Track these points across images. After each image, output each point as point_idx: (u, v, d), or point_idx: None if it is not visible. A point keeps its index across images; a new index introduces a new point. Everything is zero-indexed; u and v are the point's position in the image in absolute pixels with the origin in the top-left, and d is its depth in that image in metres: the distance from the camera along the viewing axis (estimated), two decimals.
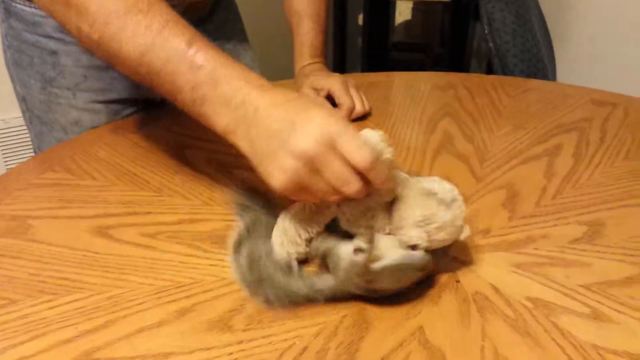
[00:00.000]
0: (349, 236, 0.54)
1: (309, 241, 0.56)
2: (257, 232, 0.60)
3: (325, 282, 0.53)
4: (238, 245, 0.58)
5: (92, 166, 0.79)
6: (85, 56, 0.90)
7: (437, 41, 2.35)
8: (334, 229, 0.56)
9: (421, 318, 0.52)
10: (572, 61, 2.07)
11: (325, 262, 0.55)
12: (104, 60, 0.64)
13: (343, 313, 0.53)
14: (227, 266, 0.58)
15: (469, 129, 0.91)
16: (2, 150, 1.94)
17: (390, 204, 0.54)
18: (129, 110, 0.97)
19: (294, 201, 0.57)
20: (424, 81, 1.14)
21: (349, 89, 0.95)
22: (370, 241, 0.51)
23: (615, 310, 0.53)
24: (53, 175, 0.77)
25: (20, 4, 0.88)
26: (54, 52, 0.90)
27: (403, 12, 2.37)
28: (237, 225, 0.62)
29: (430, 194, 0.54)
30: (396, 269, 0.51)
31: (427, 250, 0.53)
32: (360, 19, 2.27)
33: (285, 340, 0.50)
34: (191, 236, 0.64)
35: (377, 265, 0.50)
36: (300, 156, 0.50)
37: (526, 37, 1.37)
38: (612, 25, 2.03)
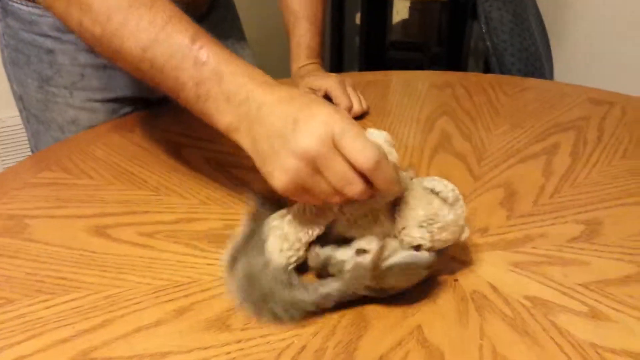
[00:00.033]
0: (343, 242, 0.54)
1: (308, 244, 0.55)
2: (252, 242, 0.57)
3: (330, 286, 0.52)
4: (233, 262, 0.56)
5: (89, 165, 0.79)
6: (82, 55, 0.90)
7: (435, 40, 2.34)
8: (327, 237, 0.55)
9: (419, 317, 0.52)
10: (570, 60, 2.07)
11: (325, 270, 0.54)
12: (106, 56, 0.63)
13: (341, 312, 0.53)
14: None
15: (466, 127, 0.91)
16: None
17: (392, 205, 0.54)
18: (126, 110, 0.96)
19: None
20: (422, 80, 1.14)
21: (346, 89, 0.95)
22: (381, 240, 0.51)
23: (613, 308, 0.53)
24: (50, 175, 0.77)
25: (17, 2, 0.88)
26: (50, 51, 0.90)
27: (400, 11, 2.37)
28: (235, 234, 0.60)
29: (433, 193, 0.53)
30: (405, 267, 0.51)
31: (430, 250, 0.52)
32: (358, 18, 2.27)
33: (284, 339, 0.50)
34: (189, 235, 0.64)
35: (386, 264, 0.50)
36: (302, 156, 0.49)
37: (524, 36, 1.37)
38: (609, 24, 2.03)
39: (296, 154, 0.49)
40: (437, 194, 0.53)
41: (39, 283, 0.57)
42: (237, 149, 0.55)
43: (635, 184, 0.74)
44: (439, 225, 0.52)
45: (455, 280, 0.57)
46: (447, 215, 0.52)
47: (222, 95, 0.55)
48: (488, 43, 1.36)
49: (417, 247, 0.52)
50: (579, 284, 0.56)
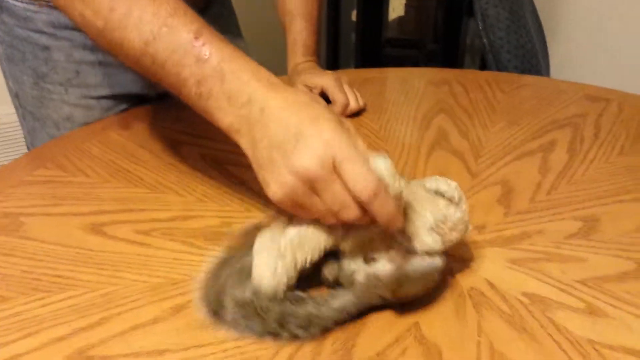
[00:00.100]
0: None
1: (302, 270, 0.51)
2: (228, 271, 0.53)
3: (343, 298, 0.50)
4: (215, 302, 0.51)
5: (85, 163, 0.78)
6: (77, 51, 0.90)
7: (431, 37, 2.34)
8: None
9: (417, 314, 0.52)
10: (566, 57, 2.07)
11: (336, 281, 0.53)
12: (107, 49, 0.62)
13: None
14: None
15: (463, 125, 0.91)
16: None
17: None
18: (122, 107, 0.96)
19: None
20: (418, 77, 1.14)
21: (342, 86, 0.95)
22: (404, 255, 0.50)
23: (611, 305, 0.53)
24: (45, 172, 0.76)
25: None
26: (46, 48, 0.89)
27: (396, 8, 2.37)
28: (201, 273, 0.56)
29: (437, 194, 0.52)
30: (421, 275, 0.50)
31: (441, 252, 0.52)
32: (354, 15, 2.27)
33: None
34: (185, 233, 0.64)
35: (403, 275, 0.49)
36: (301, 175, 0.48)
37: (520, 33, 1.37)
38: (605, 21, 2.04)
39: (294, 171, 0.48)
40: (441, 194, 0.53)
41: (35, 281, 0.57)
42: (234, 147, 0.55)
43: (633, 180, 0.74)
44: (449, 226, 0.51)
45: (453, 277, 0.57)
46: (455, 214, 0.52)
47: (224, 94, 0.54)
48: (484, 40, 1.36)
49: (429, 252, 0.51)
50: (577, 281, 0.56)
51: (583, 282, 0.56)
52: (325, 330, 0.49)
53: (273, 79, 0.54)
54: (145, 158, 0.80)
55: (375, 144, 0.85)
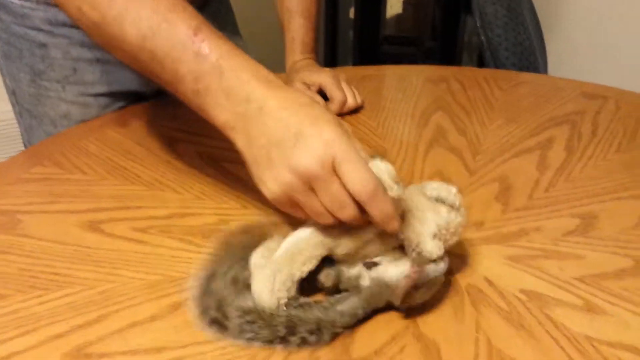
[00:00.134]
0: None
1: (299, 283, 0.51)
2: (214, 284, 0.52)
3: (349, 302, 0.50)
4: (217, 314, 0.50)
5: (82, 160, 0.78)
6: (74, 49, 0.89)
7: (429, 35, 2.34)
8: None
9: (415, 311, 0.52)
10: (564, 54, 2.07)
11: (335, 287, 0.52)
12: (103, 44, 0.61)
13: None
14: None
15: (461, 122, 0.91)
16: None
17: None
18: (119, 104, 0.96)
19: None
20: (416, 75, 1.13)
21: (340, 83, 0.95)
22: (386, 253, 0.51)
23: (608, 302, 0.53)
24: (42, 170, 0.76)
25: None
26: (43, 45, 0.89)
27: (394, 5, 2.37)
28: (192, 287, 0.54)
29: (438, 200, 0.52)
30: (429, 282, 0.50)
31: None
32: (352, 13, 2.26)
33: None
34: (183, 230, 0.64)
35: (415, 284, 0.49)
36: (300, 173, 0.48)
37: (518, 30, 1.37)
38: (603, 18, 2.04)
39: (293, 169, 0.48)
40: (442, 200, 0.52)
41: (32, 279, 0.56)
42: (231, 145, 0.55)
43: (630, 177, 0.74)
44: (451, 231, 0.51)
45: (450, 274, 0.57)
46: (456, 219, 0.52)
47: (222, 91, 0.53)
48: (482, 37, 1.36)
49: (433, 258, 0.50)
50: (575, 278, 0.57)
51: (581, 279, 0.56)
52: (335, 335, 0.49)
53: (272, 77, 0.54)
54: (142, 155, 0.80)
55: (373, 142, 0.85)
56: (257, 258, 0.53)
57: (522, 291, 0.55)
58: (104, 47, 0.62)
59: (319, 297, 0.53)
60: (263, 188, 0.51)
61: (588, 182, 0.73)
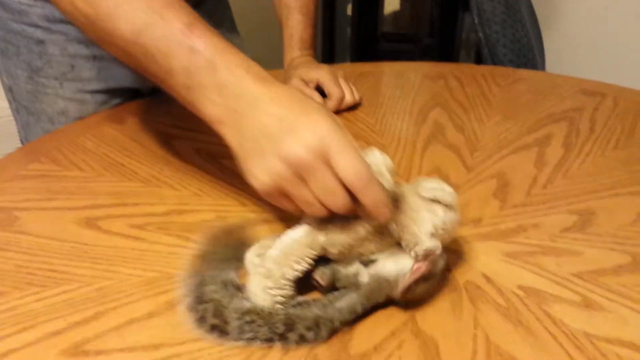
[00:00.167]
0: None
1: (293, 282, 0.51)
2: (206, 289, 0.52)
3: (348, 299, 0.50)
4: (215, 318, 0.49)
5: (79, 157, 0.78)
6: (72, 45, 0.89)
7: (426, 31, 2.34)
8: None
9: (413, 307, 0.52)
10: (561, 51, 2.07)
11: (330, 287, 0.52)
12: (96, 40, 0.61)
13: None
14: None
15: (459, 119, 0.91)
16: None
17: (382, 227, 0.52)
18: (116, 101, 0.96)
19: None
20: (414, 71, 1.13)
21: (338, 80, 0.94)
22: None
23: (606, 298, 0.53)
24: (39, 167, 0.76)
25: None
26: (40, 42, 0.89)
27: (392, 2, 2.37)
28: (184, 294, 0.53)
29: (433, 200, 0.52)
30: (430, 276, 0.50)
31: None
32: (349, 10, 2.26)
33: None
34: (180, 227, 0.64)
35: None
36: (289, 162, 0.48)
37: (516, 27, 1.37)
38: (601, 15, 2.04)
39: (283, 158, 0.49)
40: (437, 199, 0.52)
41: (29, 275, 0.56)
42: (223, 140, 0.55)
43: (628, 174, 0.74)
44: (447, 230, 0.52)
45: (449, 270, 0.57)
46: (452, 216, 0.52)
47: (215, 87, 0.53)
48: (480, 34, 1.36)
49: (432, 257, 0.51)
50: (573, 274, 0.56)
51: (579, 276, 0.56)
52: (333, 332, 0.49)
53: (265, 74, 0.55)
54: (139, 152, 0.79)
55: (371, 138, 0.85)
56: (252, 257, 0.54)
57: (520, 287, 0.55)
58: (97, 43, 0.62)
59: (316, 295, 0.53)
60: (253, 180, 0.51)
61: (586, 179, 0.73)
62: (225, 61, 0.54)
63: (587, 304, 0.53)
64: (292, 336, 0.48)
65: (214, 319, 0.49)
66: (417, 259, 0.50)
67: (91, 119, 0.90)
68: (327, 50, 2.38)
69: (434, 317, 0.51)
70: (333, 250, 0.52)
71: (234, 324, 0.48)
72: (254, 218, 0.64)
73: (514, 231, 0.63)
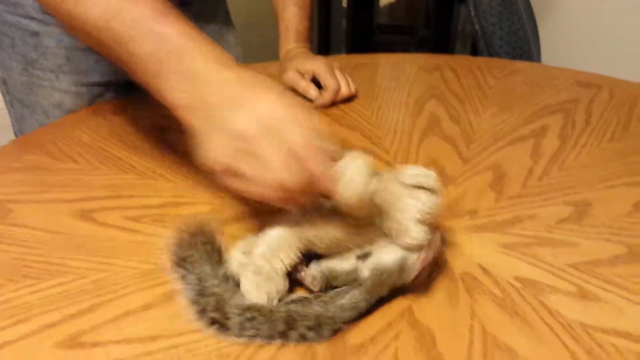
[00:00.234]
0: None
1: (286, 275, 0.51)
2: (206, 283, 0.51)
3: (351, 296, 0.49)
4: (217, 314, 0.49)
5: (74, 150, 0.78)
6: (67, 37, 0.89)
7: (422, 23, 2.34)
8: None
9: (410, 299, 0.52)
10: (557, 43, 2.07)
11: (328, 286, 0.52)
12: (69, 28, 0.61)
13: None
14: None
15: (455, 110, 0.91)
16: None
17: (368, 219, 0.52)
18: (111, 93, 0.95)
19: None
20: (410, 63, 1.13)
21: (334, 71, 0.94)
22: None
23: (602, 289, 0.53)
24: (34, 159, 0.75)
25: None
26: (35, 33, 0.88)
27: None
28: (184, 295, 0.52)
29: (417, 187, 0.52)
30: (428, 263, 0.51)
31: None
32: (345, 1, 2.25)
33: None
34: (176, 219, 0.63)
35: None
36: (238, 136, 0.49)
37: (512, 19, 1.37)
38: (596, 7, 2.03)
39: (232, 133, 0.49)
40: (420, 185, 0.52)
41: (24, 268, 0.56)
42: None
43: (623, 165, 0.74)
44: (434, 212, 0.51)
45: (445, 262, 0.57)
46: (436, 200, 0.51)
47: (179, 72, 0.54)
48: (476, 26, 1.36)
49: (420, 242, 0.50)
50: (569, 265, 0.57)
51: (575, 266, 0.56)
52: (336, 331, 0.48)
53: (226, 59, 0.55)
54: (135, 145, 0.79)
55: (367, 130, 0.85)
56: (238, 255, 0.53)
57: (517, 278, 0.55)
58: (68, 30, 0.62)
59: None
60: (205, 159, 0.51)
61: (582, 170, 0.73)
62: (193, 48, 0.54)
63: (583, 295, 0.53)
64: (293, 334, 0.47)
65: (215, 313, 0.49)
66: (408, 248, 0.50)
67: (86, 112, 0.90)
68: (322, 41, 2.37)
69: (430, 308, 0.51)
70: (321, 245, 0.52)
71: (235, 319, 0.48)
72: (247, 211, 0.64)
73: (510, 222, 0.63)
